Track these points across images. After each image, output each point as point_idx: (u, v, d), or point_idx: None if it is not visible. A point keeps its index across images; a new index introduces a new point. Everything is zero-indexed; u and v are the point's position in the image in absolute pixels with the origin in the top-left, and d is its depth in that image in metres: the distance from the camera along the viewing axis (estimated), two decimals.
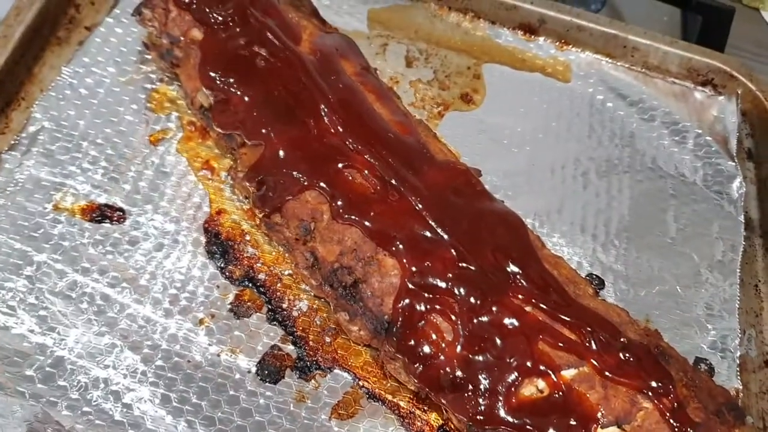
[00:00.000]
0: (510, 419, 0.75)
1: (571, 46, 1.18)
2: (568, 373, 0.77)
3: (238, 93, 0.87)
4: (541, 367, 0.76)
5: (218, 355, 0.81)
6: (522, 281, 0.81)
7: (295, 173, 0.84)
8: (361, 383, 0.82)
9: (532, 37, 1.18)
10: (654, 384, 0.78)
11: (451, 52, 1.13)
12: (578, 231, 1.00)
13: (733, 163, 1.10)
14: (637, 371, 0.78)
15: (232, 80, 0.88)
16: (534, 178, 1.04)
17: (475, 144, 1.05)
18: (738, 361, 0.92)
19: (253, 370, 0.81)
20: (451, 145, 1.00)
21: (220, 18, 0.90)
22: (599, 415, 0.76)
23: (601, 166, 1.06)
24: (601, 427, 0.76)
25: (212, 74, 0.88)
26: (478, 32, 1.16)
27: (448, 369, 0.76)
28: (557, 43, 1.18)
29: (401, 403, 0.82)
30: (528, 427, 0.75)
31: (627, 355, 0.79)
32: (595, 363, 0.77)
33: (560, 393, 0.76)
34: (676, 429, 0.77)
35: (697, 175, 1.08)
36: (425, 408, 0.82)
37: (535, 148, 1.07)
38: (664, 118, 1.13)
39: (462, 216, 0.85)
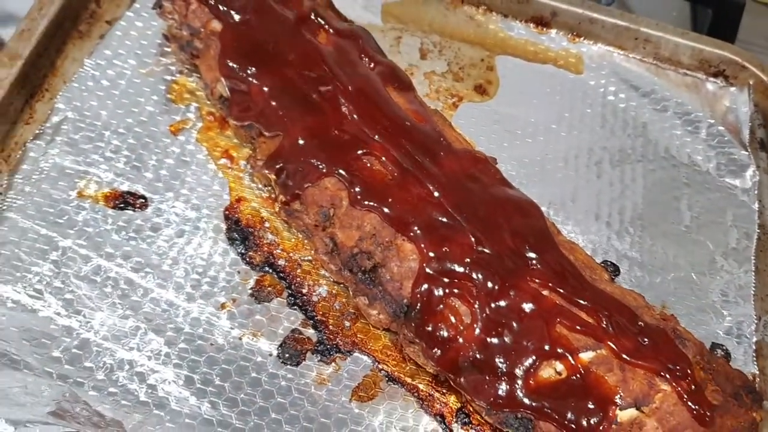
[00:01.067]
0: (529, 402, 0.76)
1: (582, 39, 1.19)
2: (586, 356, 0.77)
3: (257, 82, 0.89)
4: (559, 350, 0.77)
5: (240, 339, 0.82)
6: (539, 266, 0.82)
7: (313, 161, 0.85)
8: (380, 366, 0.83)
9: (544, 29, 1.19)
10: (671, 367, 0.78)
11: (465, 45, 1.15)
12: (592, 219, 1.00)
13: (746, 153, 1.10)
14: (654, 354, 0.79)
15: (250, 70, 0.89)
16: (547, 167, 1.05)
17: (490, 134, 1.06)
18: (754, 347, 0.92)
19: (275, 353, 0.82)
20: (466, 135, 1.00)
21: (239, 10, 0.92)
22: (617, 397, 0.76)
23: (614, 155, 1.07)
24: (620, 409, 0.76)
25: (231, 64, 0.90)
26: (491, 25, 1.18)
27: (466, 353, 0.77)
28: (569, 36, 1.19)
29: (420, 386, 0.82)
30: (546, 409, 0.76)
31: (644, 338, 0.79)
32: (612, 346, 0.78)
33: (578, 375, 0.77)
34: (695, 411, 0.77)
35: (710, 164, 1.09)
36: (444, 391, 0.83)
37: (549, 139, 1.08)
38: (676, 108, 1.14)
39: (479, 202, 0.86)
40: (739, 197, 1.06)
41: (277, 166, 0.86)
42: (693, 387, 0.78)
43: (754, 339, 0.93)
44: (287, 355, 0.82)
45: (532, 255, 0.83)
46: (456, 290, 0.79)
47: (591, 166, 1.06)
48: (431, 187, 0.85)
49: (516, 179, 1.01)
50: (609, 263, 0.97)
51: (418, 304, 0.79)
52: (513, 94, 1.11)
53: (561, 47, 1.17)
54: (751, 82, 1.18)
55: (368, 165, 0.85)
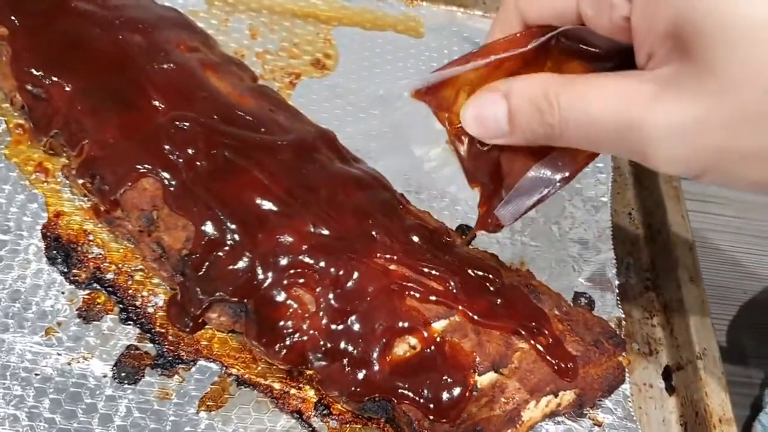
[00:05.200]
0: (384, 384, 0.72)
1: (421, 1, 1.15)
2: (438, 325, 0.75)
3: (56, 86, 0.81)
4: (412, 324, 0.74)
5: (69, 364, 0.75)
6: (385, 240, 0.79)
7: (127, 161, 0.78)
8: (229, 371, 0.78)
9: None
10: (527, 323, 0.77)
11: (298, 20, 1.09)
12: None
13: None
14: (508, 313, 0.77)
15: (48, 74, 0.82)
16: (395, 139, 1.01)
17: (332, 110, 1.01)
18: (617, 291, 0.92)
19: (109, 374, 0.75)
20: (307, 113, 0.96)
21: (28, 11, 0.84)
22: (475, 362, 0.74)
23: None
24: (479, 375, 0.74)
25: (26, 70, 0.82)
26: None
27: (313, 347, 0.73)
28: (407, 0, 1.15)
29: (274, 385, 0.78)
30: (403, 390, 0.72)
31: (497, 298, 0.78)
32: (465, 310, 0.75)
33: (433, 347, 0.74)
34: (555, 365, 0.76)
35: None
36: (300, 386, 0.78)
37: (394, 108, 1.04)
38: None
39: (317, 182, 0.81)
40: None
41: (90, 173, 0.79)
42: (551, 341, 0.77)
43: (617, 282, 0.93)
44: (123, 374, 0.76)
45: (377, 230, 0.79)
46: (296, 280, 0.75)
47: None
48: (260, 174, 0.80)
49: (364, 154, 0.97)
50: (465, 227, 0.94)
51: (259, 302, 0.75)
52: (354, 66, 1.07)
53: (400, 12, 1.14)
54: None
55: (187, 159, 0.80)
